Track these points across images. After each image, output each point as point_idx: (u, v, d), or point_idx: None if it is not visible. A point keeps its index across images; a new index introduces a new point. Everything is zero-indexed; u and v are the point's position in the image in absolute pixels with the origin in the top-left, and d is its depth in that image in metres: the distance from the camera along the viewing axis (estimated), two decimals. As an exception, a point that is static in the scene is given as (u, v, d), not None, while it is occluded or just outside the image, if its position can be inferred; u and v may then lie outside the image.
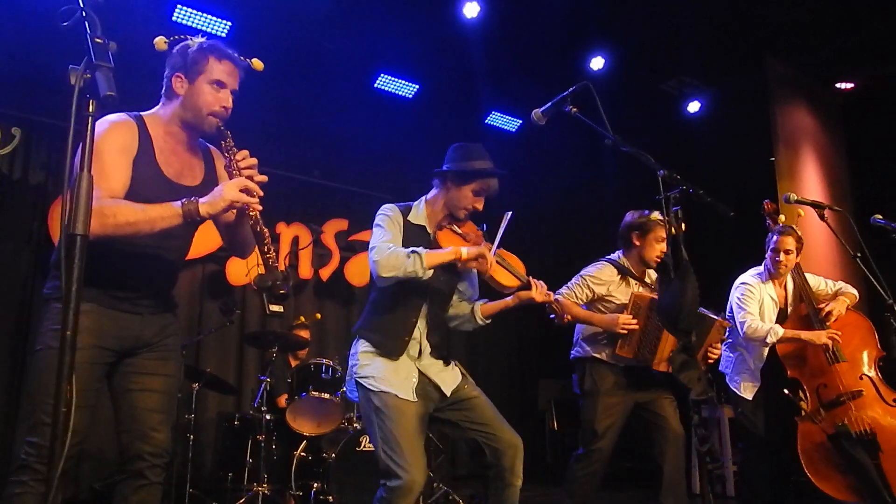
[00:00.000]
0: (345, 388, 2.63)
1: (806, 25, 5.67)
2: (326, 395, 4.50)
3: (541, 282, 2.62)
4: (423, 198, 2.72)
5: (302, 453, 4.51)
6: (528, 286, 2.58)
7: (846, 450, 3.32)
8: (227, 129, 2.09)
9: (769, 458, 3.66)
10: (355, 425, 4.59)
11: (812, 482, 3.42)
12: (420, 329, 2.58)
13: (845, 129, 6.66)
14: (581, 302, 3.44)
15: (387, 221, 2.60)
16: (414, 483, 2.30)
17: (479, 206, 2.62)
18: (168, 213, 1.87)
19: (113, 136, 1.96)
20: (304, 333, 5.37)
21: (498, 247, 2.53)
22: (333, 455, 4.28)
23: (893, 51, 5.91)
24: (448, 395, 2.56)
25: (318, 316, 5.89)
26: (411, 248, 2.41)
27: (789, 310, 3.80)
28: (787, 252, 3.68)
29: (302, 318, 5.58)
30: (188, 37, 2.13)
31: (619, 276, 3.43)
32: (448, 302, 2.72)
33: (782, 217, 3.89)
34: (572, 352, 3.56)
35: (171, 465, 4.37)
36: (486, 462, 2.53)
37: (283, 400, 4.90)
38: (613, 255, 3.53)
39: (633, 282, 3.44)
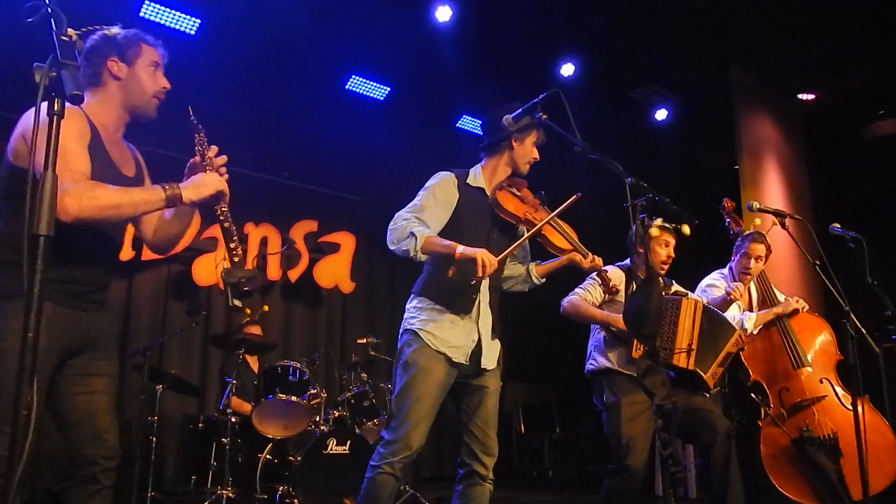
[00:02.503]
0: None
1: (769, 37, 5.81)
2: (294, 398, 4.47)
3: (596, 257, 2.69)
4: (477, 166, 2.77)
5: (268, 456, 4.47)
6: (578, 250, 2.63)
7: (809, 454, 3.37)
8: (199, 124, 2.10)
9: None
10: (322, 428, 4.56)
11: (773, 485, 3.48)
12: (483, 288, 2.59)
13: (806, 139, 6.84)
14: (596, 302, 3.43)
15: (430, 189, 2.62)
16: (406, 445, 2.40)
17: (538, 156, 2.74)
18: (153, 198, 1.86)
19: (68, 124, 1.92)
20: (255, 329, 5.24)
21: (557, 214, 2.60)
22: (300, 458, 4.25)
23: (853, 63, 6.10)
24: (481, 366, 2.56)
25: (266, 308, 5.76)
26: (416, 230, 2.43)
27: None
28: (757, 259, 3.72)
29: (247, 312, 5.40)
30: (99, 27, 2.09)
31: (626, 279, 3.43)
32: (504, 262, 2.74)
33: (758, 221, 3.95)
34: (587, 366, 3.49)
35: (132, 468, 4.31)
36: (459, 460, 2.56)
37: (240, 405, 4.77)
38: (623, 262, 3.55)
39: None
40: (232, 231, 2.00)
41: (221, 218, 1.99)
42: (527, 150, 2.71)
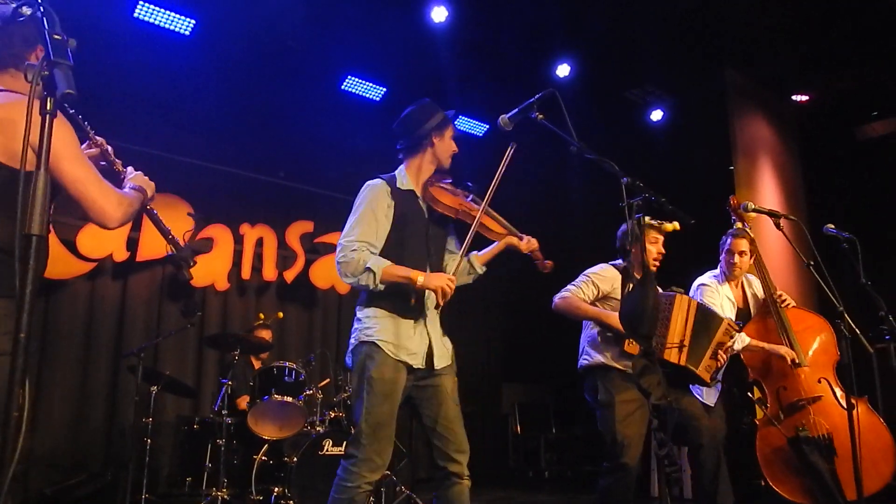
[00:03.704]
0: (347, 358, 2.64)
1: (763, 39, 5.83)
2: (289, 399, 4.46)
3: (531, 238, 2.72)
4: (401, 168, 2.77)
5: (263, 457, 4.46)
6: (514, 234, 2.67)
7: (804, 453, 3.37)
8: (79, 115, 2.04)
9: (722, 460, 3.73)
10: (318, 429, 4.55)
11: (769, 484, 3.48)
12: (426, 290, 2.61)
13: (800, 140, 6.86)
14: (588, 299, 3.44)
15: (367, 205, 2.57)
16: (383, 462, 2.44)
17: (457, 148, 2.79)
18: (144, 197, 2.01)
19: (69, 129, 1.86)
20: (265, 333, 5.30)
21: (489, 201, 2.63)
22: (295, 459, 4.24)
23: (846, 65, 6.12)
24: (434, 367, 2.57)
25: (280, 315, 5.83)
26: (371, 263, 2.44)
27: (752, 311, 3.88)
28: (741, 254, 3.79)
29: (261, 316, 5.52)
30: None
31: (623, 279, 3.42)
32: (442, 258, 2.78)
33: (739, 224, 3.98)
34: (580, 361, 3.50)
35: (127, 470, 4.29)
36: (434, 464, 2.58)
37: (243, 401, 4.83)
38: (616, 262, 3.58)
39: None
40: (161, 219, 2.17)
41: (151, 208, 2.12)
42: (447, 145, 2.74)
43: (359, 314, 2.59)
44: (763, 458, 3.49)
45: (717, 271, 3.92)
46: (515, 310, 7.21)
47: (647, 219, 3.35)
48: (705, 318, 3.27)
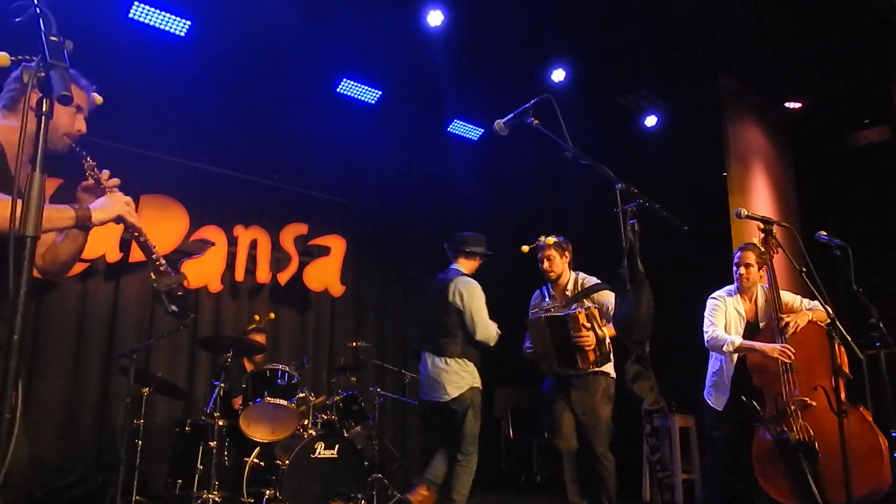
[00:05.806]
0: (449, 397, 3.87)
1: (757, 45, 5.86)
2: (282, 402, 4.44)
3: None
4: (461, 267, 4.08)
5: (255, 460, 4.44)
6: None
7: (787, 455, 3.43)
8: (83, 151, 2.08)
9: (730, 465, 3.80)
10: (310, 432, 4.54)
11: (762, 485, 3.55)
12: None
13: (793, 146, 6.90)
14: None
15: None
16: None
17: None
18: (63, 215, 1.89)
19: None
20: (259, 337, 5.28)
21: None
22: (287, 462, 4.23)
23: (839, 72, 6.16)
24: None
25: (272, 315, 5.81)
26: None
27: (761, 325, 3.90)
28: (747, 266, 3.84)
29: (256, 318, 5.50)
30: (33, 58, 2.03)
31: (541, 299, 4.10)
32: None
33: (756, 240, 3.99)
34: None
35: (118, 472, 4.27)
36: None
37: (238, 401, 4.82)
38: (543, 287, 4.15)
39: (544, 303, 4.00)
40: (149, 245, 2.07)
41: (136, 234, 2.05)
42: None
43: (466, 366, 3.92)
44: (756, 459, 3.60)
45: (733, 286, 3.98)
46: (508, 314, 7.20)
47: (543, 238, 3.93)
48: (556, 325, 3.66)
